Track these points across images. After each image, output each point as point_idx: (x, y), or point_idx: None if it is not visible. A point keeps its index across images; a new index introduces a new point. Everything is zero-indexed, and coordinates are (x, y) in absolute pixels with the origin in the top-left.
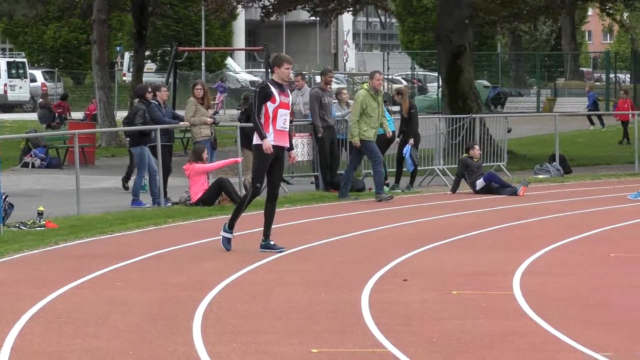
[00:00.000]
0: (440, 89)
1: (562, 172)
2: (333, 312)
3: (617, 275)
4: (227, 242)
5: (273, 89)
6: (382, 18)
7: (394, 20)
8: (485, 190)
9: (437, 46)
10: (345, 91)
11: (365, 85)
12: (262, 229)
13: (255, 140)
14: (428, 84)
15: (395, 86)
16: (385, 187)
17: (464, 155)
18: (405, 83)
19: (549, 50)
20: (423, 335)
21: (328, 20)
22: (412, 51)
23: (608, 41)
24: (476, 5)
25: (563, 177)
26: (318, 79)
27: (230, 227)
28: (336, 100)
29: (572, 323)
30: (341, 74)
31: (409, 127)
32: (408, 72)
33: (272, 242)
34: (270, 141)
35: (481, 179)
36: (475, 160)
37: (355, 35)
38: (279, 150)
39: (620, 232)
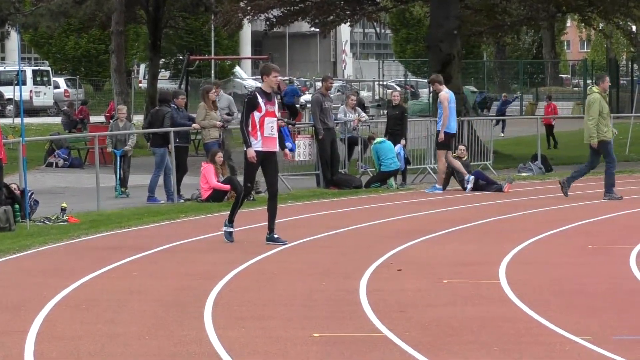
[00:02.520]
0: (431, 94)
1: (543, 171)
2: (333, 300)
3: (594, 264)
4: (229, 235)
5: (259, 99)
6: (377, 29)
7: (388, 31)
8: (473, 187)
9: (428, 55)
10: (353, 97)
11: (595, 89)
12: (267, 223)
13: (245, 147)
14: (420, 90)
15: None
16: (393, 183)
17: (453, 154)
18: (398, 89)
19: (531, 58)
20: (416, 321)
21: (327, 31)
22: (405, 59)
23: (585, 50)
24: (464, 18)
25: (545, 175)
26: (319, 84)
27: (230, 221)
28: (341, 105)
29: (553, 309)
30: (340, 80)
31: (400, 129)
32: (401, 79)
33: (276, 236)
34: (258, 148)
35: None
36: (463, 159)
37: (352, 45)
38: (268, 154)
39: (597, 226)
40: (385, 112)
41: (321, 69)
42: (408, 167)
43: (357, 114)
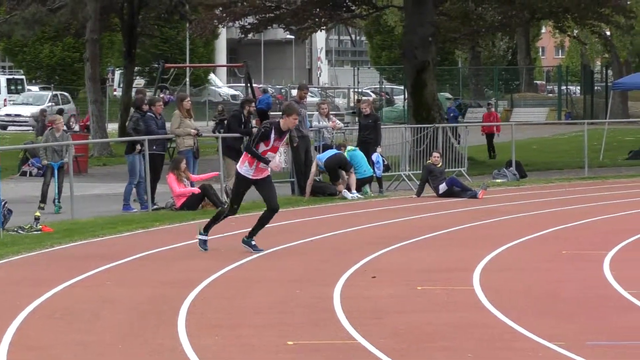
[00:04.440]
0: (406, 101)
1: (518, 177)
2: (307, 307)
3: (568, 270)
4: (203, 243)
5: (272, 134)
6: (353, 36)
7: (363, 38)
8: (448, 193)
9: (403, 62)
10: (325, 105)
11: None
12: (250, 228)
13: (238, 167)
14: (395, 97)
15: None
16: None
17: (428, 161)
18: (374, 96)
19: (506, 64)
20: (390, 328)
21: (303, 38)
22: (380, 66)
23: (560, 56)
24: (439, 24)
25: (519, 181)
26: (294, 92)
27: (206, 230)
28: (315, 112)
29: (528, 315)
30: (315, 87)
31: (373, 137)
32: (376, 86)
33: (253, 243)
34: (249, 175)
35: (444, 184)
36: (438, 165)
37: (328, 52)
38: (259, 180)
39: (571, 232)
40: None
41: (296, 76)
42: (383, 174)
43: (331, 121)
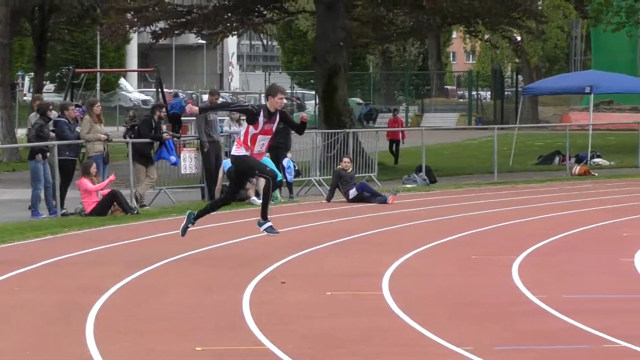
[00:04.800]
0: (317, 106)
1: (428, 182)
2: (217, 313)
3: (478, 275)
4: (271, 229)
5: (261, 117)
6: (264, 41)
7: (275, 43)
8: (358, 199)
9: (314, 66)
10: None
11: None
12: (260, 209)
13: (234, 152)
14: (306, 102)
15: None
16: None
17: (338, 167)
18: (285, 101)
19: (417, 69)
20: (299, 333)
21: (214, 42)
22: (291, 71)
23: (471, 61)
24: (350, 29)
25: (429, 186)
26: (205, 97)
27: (264, 217)
28: (226, 118)
29: (437, 320)
30: (226, 92)
31: (283, 142)
32: (288, 91)
33: (270, 224)
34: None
35: (354, 189)
36: (348, 171)
37: (239, 57)
38: None
39: (480, 237)
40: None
41: (207, 81)
42: (294, 179)
43: (241, 127)
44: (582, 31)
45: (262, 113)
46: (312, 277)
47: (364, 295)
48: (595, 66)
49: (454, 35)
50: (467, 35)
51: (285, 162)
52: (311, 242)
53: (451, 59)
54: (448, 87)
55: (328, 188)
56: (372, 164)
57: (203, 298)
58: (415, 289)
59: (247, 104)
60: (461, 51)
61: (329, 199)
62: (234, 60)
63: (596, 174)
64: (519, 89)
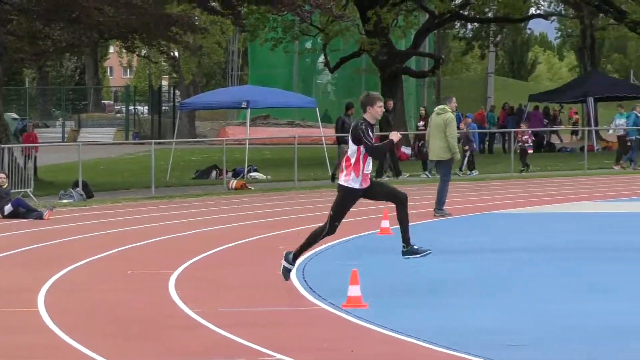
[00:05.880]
0: None
1: (84, 197)
2: None
3: (134, 290)
4: (287, 272)
5: (371, 132)
6: None
7: None
8: (14, 214)
9: None
10: None
11: (448, 108)
12: (402, 239)
13: (343, 182)
14: None
15: None
16: None
17: None
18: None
19: (74, 84)
20: None
21: None
22: None
23: (128, 76)
24: (6, 44)
25: (86, 201)
26: None
27: (295, 257)
28: None
29: (93, 336)
30: None
31: None
32: None
33: (416, 247)
34: (357, 186)
35: (9, 204)
36: (3, 187)
37: None
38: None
39: (137, 251)
40: None
41: None
42: None
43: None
44: (239, 46)
45: (369, 128)
46: None
47: (19, 312)
48: (252, 81)
49: (111, 50)
50: (124, 50)
51: None
52: None
53: (108, 73)
54: (105, 102)
55: None
56: (28, 179)
57: None
58: (71, 305)
59: (363, 125)
60: (118, 66)
61: None
62: None
63: (252, 188)
64: (177, 103)
